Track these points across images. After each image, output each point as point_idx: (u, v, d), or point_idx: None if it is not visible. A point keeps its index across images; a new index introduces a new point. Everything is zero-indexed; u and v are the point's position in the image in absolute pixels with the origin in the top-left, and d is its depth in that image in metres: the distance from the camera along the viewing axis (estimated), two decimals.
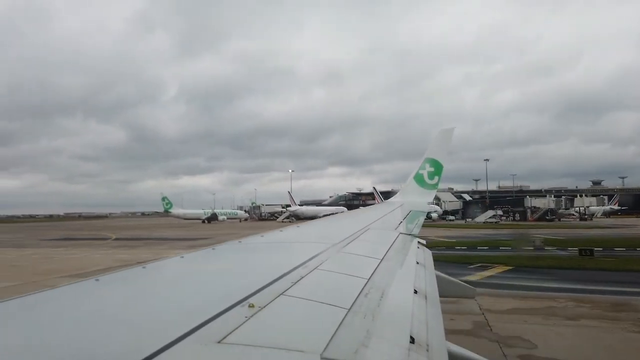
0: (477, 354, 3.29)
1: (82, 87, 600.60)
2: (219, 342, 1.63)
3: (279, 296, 2.28)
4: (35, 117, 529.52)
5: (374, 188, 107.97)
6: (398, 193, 12.84)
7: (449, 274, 5.58)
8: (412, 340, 2.15)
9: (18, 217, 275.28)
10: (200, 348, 1.58)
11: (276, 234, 5.48)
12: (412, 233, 6.48)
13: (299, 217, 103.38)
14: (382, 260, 3.83)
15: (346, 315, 2.14)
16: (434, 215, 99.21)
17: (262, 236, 5.09)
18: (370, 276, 3.10)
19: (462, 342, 3.67)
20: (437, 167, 11.86)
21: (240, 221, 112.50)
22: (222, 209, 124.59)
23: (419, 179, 11.94)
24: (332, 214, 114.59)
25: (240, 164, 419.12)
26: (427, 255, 5.29)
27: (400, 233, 6.06)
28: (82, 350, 1.60)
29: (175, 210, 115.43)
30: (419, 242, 5.91)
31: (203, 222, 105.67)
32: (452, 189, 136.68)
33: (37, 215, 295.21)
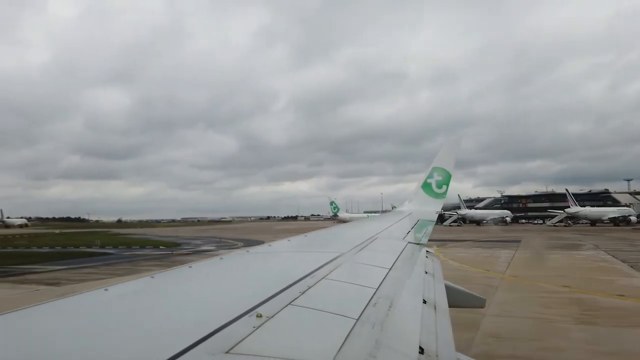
0: None
1: (205, 100, 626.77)
2: (227, 352, 1.62)
3: (286, 306, 2.28)
4: (162, 130, 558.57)
5: (566, 190, 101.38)
6: (406, 202, 12.78)
7: None
8: (422, 351, 2.13)
9: (146, 221, 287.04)
10: (208, 358, 1.58)
11: (284, 243, 5.47)
12: (421, 242, 6.44)
13: (465, 221, 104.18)
14: (390, 269, 3.81)
15: (354, 325, 2.13)
16: (633, 219, 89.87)
17: (269, 245, 5.09)
18: (379, 286, 3.08)
19: None
20: (445, 176, 11.80)
21: None
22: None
23: (427, 188, 11.88)
24: (501, 217, 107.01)
25: (338, 169, 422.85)
26: (436, 264, 5.25)
27: (409, 242, 6.03)
28: None
29: (341, 214, 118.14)
30: (427, 251, 5.87)
31: None
32: (608, 189, 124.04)
33: (162, 220, 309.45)
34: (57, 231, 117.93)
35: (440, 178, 11.81)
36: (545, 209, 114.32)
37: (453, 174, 11.94)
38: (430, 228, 8.68)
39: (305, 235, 6.27)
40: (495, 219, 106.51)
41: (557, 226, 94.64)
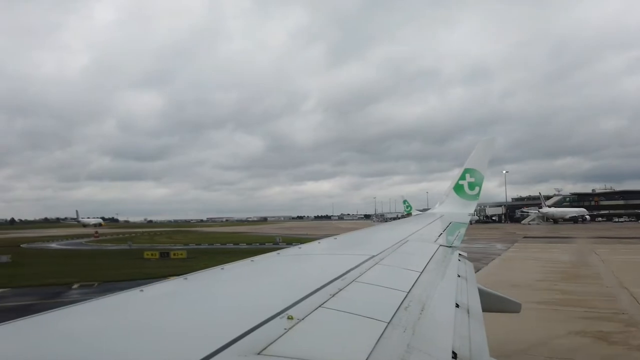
0: None
1: (237, 101, 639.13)
2: (258, 353, 1.64)
3: (317, 308, 2.28)
4: (191, 131, 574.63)
5: None
6: (437, 204, 12.57)
7: None
8: (455, 356, 2.09)
9: (175, 221, 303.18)
10: (240, 359, 1.60)
11: (314, 246, 5.48)
12: (453, 245, 6.32)
13: (547, 219, 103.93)
14: (422, 272, 3.76)
15: (386, 328, 2.11)
16: None
17: (299, 247, 5.11)
18: (410, 289, 3.04)
19: None
20: (478, 178, 11.55)
21: (470, 223, 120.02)
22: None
23: (459, 190, 11.66)
24: (580, 216, 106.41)
25: (363, 169, 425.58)
26: (469, 267, 5.13)
27: (441, 245, 5.93)
28: None
29: (414, 213, 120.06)
30: (460, 254, 5.75)
31: None
32: None
33: (192, 220, 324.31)
34: (140, 231, 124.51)
35: (472, 180, 11.56)
36: (619, 206, 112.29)
37: (486, 175, 11.68)
38: (462, 230, 8.50)
39: (335, 238, 6.26)
40: (574, 217, 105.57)
41: None
